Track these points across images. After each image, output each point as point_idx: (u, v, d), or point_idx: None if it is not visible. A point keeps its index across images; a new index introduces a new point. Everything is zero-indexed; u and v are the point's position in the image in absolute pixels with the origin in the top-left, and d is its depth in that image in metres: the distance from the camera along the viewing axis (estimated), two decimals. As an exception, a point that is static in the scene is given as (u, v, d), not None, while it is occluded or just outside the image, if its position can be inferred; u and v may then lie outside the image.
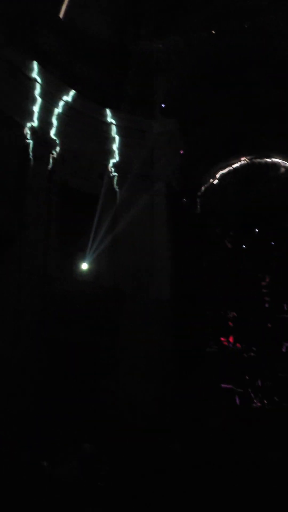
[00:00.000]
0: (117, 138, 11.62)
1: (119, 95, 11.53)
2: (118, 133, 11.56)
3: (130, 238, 11.45)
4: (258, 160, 15.36)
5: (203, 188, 15.70)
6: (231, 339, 12.80)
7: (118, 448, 8.42)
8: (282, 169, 15.11)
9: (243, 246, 15.10)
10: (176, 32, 11.49)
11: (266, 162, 15.32)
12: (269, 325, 13.17)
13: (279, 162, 15.18)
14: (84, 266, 11.07)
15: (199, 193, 15.64)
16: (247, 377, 12.19)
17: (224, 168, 15.76)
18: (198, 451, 9.00)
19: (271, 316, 13.31)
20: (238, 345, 12.71)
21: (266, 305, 13.70)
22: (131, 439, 9.18)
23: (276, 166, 15.20)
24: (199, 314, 13.00)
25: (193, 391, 11.15)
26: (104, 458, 7.67)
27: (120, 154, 11.72)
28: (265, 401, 11.28)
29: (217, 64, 12.10)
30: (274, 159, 15.23)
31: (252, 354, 12.72)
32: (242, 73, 12.64)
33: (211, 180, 15.83)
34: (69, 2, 10.52)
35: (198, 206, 15.60)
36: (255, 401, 11.47)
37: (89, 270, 11.16)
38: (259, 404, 11.26)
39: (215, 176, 15.83)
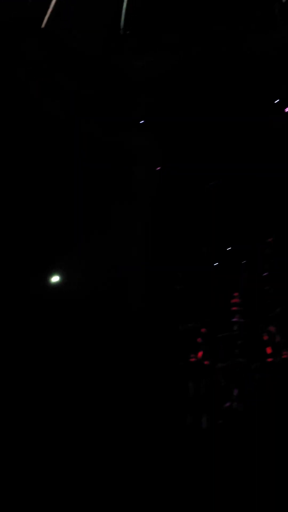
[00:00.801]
0: (95, 150, 11.67)
1: (99, 107, 11.61)
2: (97, 145, 11.61)
3: (107, 250, 11.45)
4: (234, 179, 15.57)
5: (181, 204, 15.83)
6: (199, 355, 12.81)
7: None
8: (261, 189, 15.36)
9: (217, 263, 15.24)
10: (158, 51, 11.70)
11: (242, 182, 15.53)
12: (239, 342, 13.24)
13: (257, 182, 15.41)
14: (56, 279, 10.96)
15: (178, 209, 15.76)
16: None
17: (201, 186, 15.93)
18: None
19: (241, 334, 13.39)
20: (206, 362, 12.69)
21: (236, 324, 13.80)
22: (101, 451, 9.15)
23: (250, 186, 15.43)
24: (170, 328, 13.02)
25: (160, 408, 11.10)
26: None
27: (99, 166, 11.75)
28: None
29: (197, 87, 12.34)
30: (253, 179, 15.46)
31: (221, 370, 12.74)
32: (222, 96, 12.93)
33: (189, 196, 15.97)
34: (53, 13, 10.62)
35: (177, 222, 15.70)
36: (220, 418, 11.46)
37: (62, 281, 11.06)
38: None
39: (193, 192, 15.98)
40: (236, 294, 14.01)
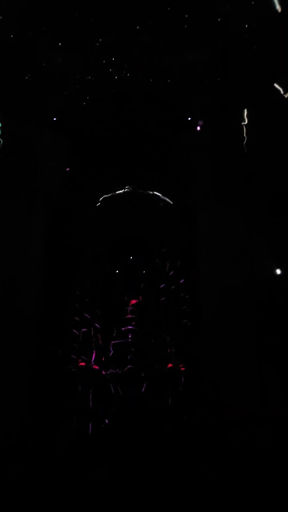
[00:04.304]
0: (0, 141, 11.21)
1: (10, 98, 11.18)
2: (3, 136, 11.17)
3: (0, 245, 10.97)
4: (141, 190, 15.92)
5: (84, 209, 15.77)
6: (91, 360, 12.73)
7: None
8: (161, 203, 15.85)
9: (117, 271, 15.36)
10: (77, 51, 11.61)
11: (148, 194, 15.94)
12: (132, 349, 13.38)
13: (159, 196, 15.90)
14: None
15: (80, 213, 15.66)
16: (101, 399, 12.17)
17: (108, 193, 16.05)
18: (41, 472, 8.72)
19: (135, 341, 13.56)
20: (95, 366, 12.66)
21: (131, 331, 13.96)
22: None
23: (156, 199, 15.89)
24: (65, 332, 12.81)
25: (47, 411, 10.82)
26: None
27: (1, 158, 11.29)
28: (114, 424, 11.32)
29: (112, 92, 12.48)
30: (155, 192, 15.93)
31: (110, 376, 12.76)
32: (135, 106, 13.22)
33: (94, 203, 15.99)
34: None
35: (78, 226, 15.59)
36: (105, 422, 11.44)
37: None
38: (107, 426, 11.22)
39: (98, 199, 16.03)
40: (133, 302, 14.23)
